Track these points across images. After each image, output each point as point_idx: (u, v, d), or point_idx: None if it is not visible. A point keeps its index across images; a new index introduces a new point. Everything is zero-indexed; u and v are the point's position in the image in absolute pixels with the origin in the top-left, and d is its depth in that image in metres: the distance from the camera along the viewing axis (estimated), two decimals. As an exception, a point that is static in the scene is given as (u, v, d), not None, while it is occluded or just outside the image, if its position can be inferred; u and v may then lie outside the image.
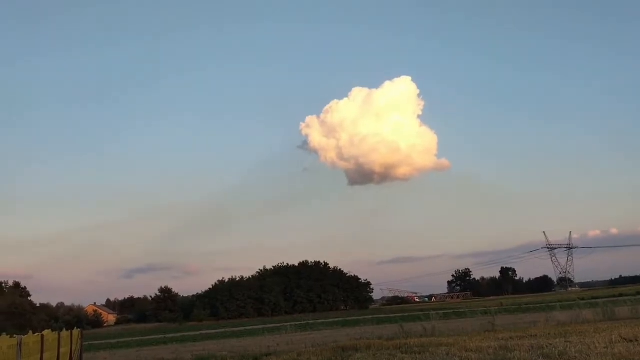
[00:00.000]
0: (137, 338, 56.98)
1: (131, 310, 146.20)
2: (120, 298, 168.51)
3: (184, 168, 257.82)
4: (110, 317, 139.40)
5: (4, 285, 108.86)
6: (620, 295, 72.28)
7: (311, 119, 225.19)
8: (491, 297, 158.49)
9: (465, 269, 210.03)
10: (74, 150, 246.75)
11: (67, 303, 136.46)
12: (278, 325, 60.33)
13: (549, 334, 19.95)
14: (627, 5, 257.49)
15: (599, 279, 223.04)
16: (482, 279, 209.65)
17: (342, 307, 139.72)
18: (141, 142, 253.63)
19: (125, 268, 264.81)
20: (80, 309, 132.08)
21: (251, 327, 61.79)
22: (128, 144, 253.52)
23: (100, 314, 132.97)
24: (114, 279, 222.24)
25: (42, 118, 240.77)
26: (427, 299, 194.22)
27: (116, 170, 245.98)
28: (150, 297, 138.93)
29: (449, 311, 60.83)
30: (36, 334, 14.46)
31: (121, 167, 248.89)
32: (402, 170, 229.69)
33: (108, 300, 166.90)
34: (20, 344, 12.02)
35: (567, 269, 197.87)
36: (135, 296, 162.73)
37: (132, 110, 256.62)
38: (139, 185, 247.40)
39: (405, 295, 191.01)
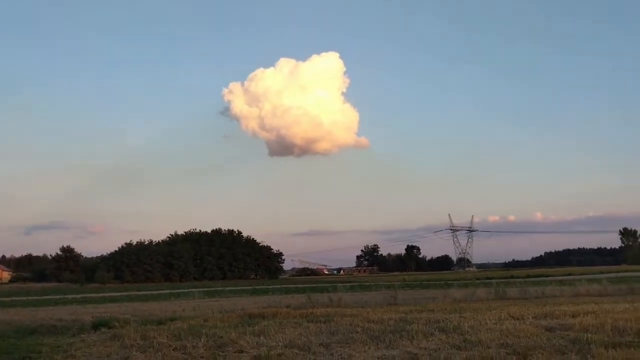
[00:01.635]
0: (34, 297, 54.16)
1: (29, 268, 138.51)
2: (17, 255, 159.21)
3: (97, 124, 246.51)
4: (5, 275, 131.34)
5: None
6: (512, 277, 77.74)
7: (235, 86, 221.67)
8: (395, 273, 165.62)
9: (374, 244, 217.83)
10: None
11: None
12: (186, 290, 59.58)
13: (445, 309, 21.20)
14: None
15: (495, 262, 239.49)
16: (389, 255, 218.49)
17: (253, 276, 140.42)
18: (54, 92, 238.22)
19: (24, 224, 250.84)
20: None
21: (157, 292, 60.61)
22: (43, 95, 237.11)
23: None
24: (12, 234, 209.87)
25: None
26: (335, 272, 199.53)
27: (24, 120, 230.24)
28: (51, 255, 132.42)
29: (355, 284, 62.83)
30: None
31: (30, 118, 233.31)
32: (322, 145, 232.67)
33: (3, 257, 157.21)
34: None
35: (467, 250, 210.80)
36: (34, 254, 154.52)
37: (53, 60, 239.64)
38: (47, 137, 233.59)
39: (315, 267, 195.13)
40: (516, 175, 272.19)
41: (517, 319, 16.46)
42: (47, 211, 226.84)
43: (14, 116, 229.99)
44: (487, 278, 74.93)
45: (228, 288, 66.14)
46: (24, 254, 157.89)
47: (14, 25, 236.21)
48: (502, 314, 17.81)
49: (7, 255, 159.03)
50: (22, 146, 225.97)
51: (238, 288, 64.94)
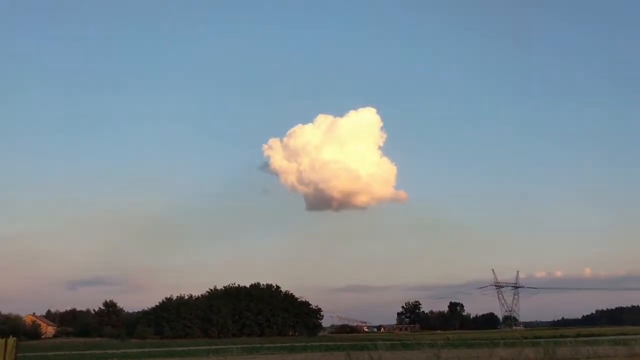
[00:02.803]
0: (76, 352, 54.80)
1: (72, 323, 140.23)
2: (62, 310, 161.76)
3: (141, 180, 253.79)
4: (50, 329, 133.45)
5: None
6: (562, 336, 74.23)
7: (274, 141, 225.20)
8: (438, 331, 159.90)
9: (415, 301, 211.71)
10: (20, 152, 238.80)
11: (4, 312, 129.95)
12: (224, 347, 59.18)
13: (491, 369, 20.35)
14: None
15: (542, 320, 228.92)
16: (431, 312, 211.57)
17: (291, 332, 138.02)
18: (97, 150, 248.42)
19: (69, 279, 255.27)
20: (18, 318, 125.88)
21: (195, 348, 60.36)
22: (81, 152, 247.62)
23: (39, 325, 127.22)
24: (57, 289, 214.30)
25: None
26: (375, 329, 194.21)
27: (69, 178, 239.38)
28: (94, 310, 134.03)
29: (396, 342, 61.05)
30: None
31: (74, 175, 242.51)
32: (360, 199, 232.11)
33: (49, 311, 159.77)
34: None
35: (513, 308, 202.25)
36: (78, 309, 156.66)
37: (90, 116, 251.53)
38: (91, 194, 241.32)
39: (355, 324, 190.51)
40: (563, 229, 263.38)
41: (568, 380, 15.64)
42: (91, 266, 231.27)
43: (56, 171, 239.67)
44: (535, 337, 71.71)
45: (266, 345, 65.27)
46: (69, 308, 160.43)
47: (69, 77, 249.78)
48: (551, 374, 16.97)
49: (52, 310, 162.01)
50: (65, 202, 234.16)
51: (276, 345, 64.02)
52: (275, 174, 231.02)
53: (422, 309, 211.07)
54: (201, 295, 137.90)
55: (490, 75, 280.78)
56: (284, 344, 67.29)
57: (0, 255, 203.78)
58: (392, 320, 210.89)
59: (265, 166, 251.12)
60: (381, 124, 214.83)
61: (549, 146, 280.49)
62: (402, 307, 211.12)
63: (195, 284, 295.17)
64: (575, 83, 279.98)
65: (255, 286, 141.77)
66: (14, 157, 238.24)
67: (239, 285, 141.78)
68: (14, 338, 22.64)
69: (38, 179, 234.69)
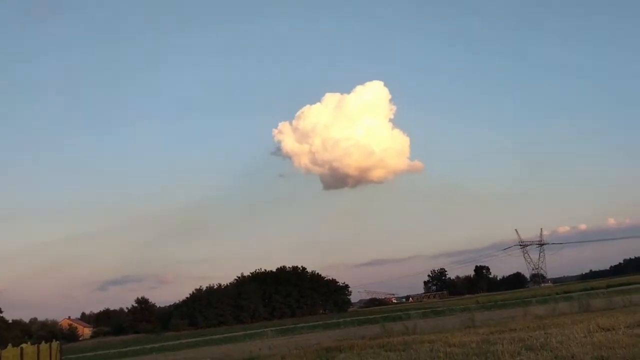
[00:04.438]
0: (115, 350, 56.00)
1: (107, 322, 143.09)
2: (96, 311, 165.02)
3: (155, 178, 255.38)
4: (86, 331, 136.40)
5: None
6: (592, 288, 73.87)
7: (283, 125, 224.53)
8: (467, 296, 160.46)
9: (441, 268, 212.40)
10: (44, 161, 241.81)
11: (41, 318, 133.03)
12: (258, 331, 60.00)
13: (528, 327, 20.35)
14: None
15: (571, 274, 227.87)
16: (457, 277, 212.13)
17: (321, 311, 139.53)
18: (113, 152, 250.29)
19: (99, 280, 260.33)
20: (54, 323, 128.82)
21: (231, 334, 61.28)
22: (99, 154, 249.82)
23: (76, 328, 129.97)
24: (88, 291, 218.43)
25: (10, 125, 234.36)
26: (404, 300, 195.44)
27: (88, 182, 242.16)
28: (127, 308, 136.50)
29: (427, 310, 61.34)
30: (14, 347, 14.15)
31: (93, 179, 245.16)
32: (376, 173, 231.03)
33: (83, 314, 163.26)
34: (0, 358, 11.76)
35: (540, 265, 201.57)
36: (111, 308, 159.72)
37: (104, 118, 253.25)
38: (111, 196, 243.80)
39: (383, 297, 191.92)
40: (582, 182, 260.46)
41: (608, 330, 15.59)
42: (119, 265, 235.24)
43: (78, 173, 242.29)
44: (566, 292, 71.51)
45: (299, 325, 66.02)
46: (102, 309, 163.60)
47: (80, 77, 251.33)
48: (591, 326, 16.92)
49: (87, 312, 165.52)
50: (88, 203, 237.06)
51: (309, 324, 64.73)
52: (288, 157, 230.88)
53: (448, 276, 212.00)
54: (230, 283, 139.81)
55: (497, 30, 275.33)
56: (316, 323, 68.01)
57: (32, 263, 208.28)
58: (420, 290, 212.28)
59: (278, 151, 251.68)
60: (390, 97, 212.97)
61: (563, 97, 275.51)
62: (428, 275, 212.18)
63: (222, 273, 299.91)
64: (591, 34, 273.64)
65: (282, 269, 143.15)
66: (40, 164, 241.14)
67: (265, 270, 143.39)
68: (57, 342, 23.18)
69: (60, 184, 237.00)
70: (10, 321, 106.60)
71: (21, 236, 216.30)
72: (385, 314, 64.50)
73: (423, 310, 61.22)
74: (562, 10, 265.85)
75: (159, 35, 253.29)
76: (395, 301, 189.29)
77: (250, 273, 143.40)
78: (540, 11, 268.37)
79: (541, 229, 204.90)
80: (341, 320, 64.63)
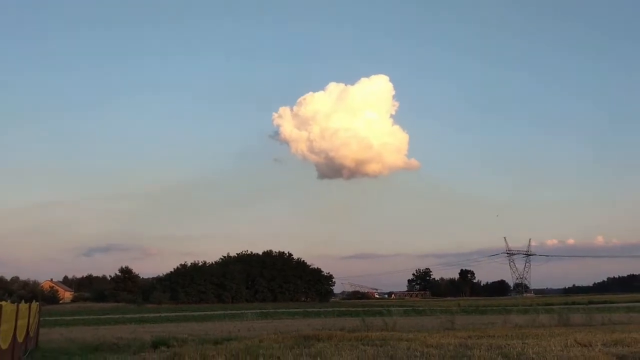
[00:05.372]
0: (94, 316, 56.03)
1: (89, 288, 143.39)
2: (79, 276, 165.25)
3: (153, 151, 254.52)
4: (67, 295, 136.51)
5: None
6: (574, 303, 74.45)
7: (284, 110, 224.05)
8: (449, 298, 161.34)
9: (426, 268, 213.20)
10: (43, 125, 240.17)
11: (23, 277, 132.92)
12: (239, 312, 60.18)
13: (506, 335, 20.47)
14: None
15: (554, 287, 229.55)
16: (442, 279, 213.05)
17: (303, 299, 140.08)
18: (112, 120, 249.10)
19: (85, 246, 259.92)
20: (36, 284, 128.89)
21: (212, 312, 61.45)
22: (98, 122, 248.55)
23: (57, 291, 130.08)
24: (73, 256, 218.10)
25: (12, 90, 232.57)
26: (386, 296, 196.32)
27: (83, 147, 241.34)
28: (110, 276, 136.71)
29: (408, 308, 61.68)
30: (-6, 304, 14.03)
31: (89, 145, 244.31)
32: (372, 167, 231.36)
33: (65, 277, 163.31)
34: (-23, 313, 11.69)
35: (524, 275, 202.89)
36: (94, 275, 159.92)
37: (102, 87, 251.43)
38: (105, 164, 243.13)
39: (366, 291, 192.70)
40: (575, 197, 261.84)
41: (585, 345, 15.68)
42: (105, 234, 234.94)
43: (72, 140, 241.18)
44: (547, 304, 71.99)
45: (280, 310, 66.30)
46: (85, 274, 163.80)
47: (87, 50, 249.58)
48: (568, 340, 17.03)
49: (69, 276, 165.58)
50: (80, 171, 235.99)
51: (290, 310, 64.99)
52: (285, 142, 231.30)
53: (432, 276, 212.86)
54: (215, 262, 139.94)
55: (503, 39, 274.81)
56: (297, 309, 68.29)
57: (18, 224, 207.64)
58: (403, 287, 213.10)
59: (276, 135, 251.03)
60: (393, 92, 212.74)
61: (562, 111, 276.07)
62: (413, 274, 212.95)
63: (208, 251, 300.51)
64: (588, 42, 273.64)
65: (268, 253, 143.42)
66: (29, 130, 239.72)
67: (251, 252, 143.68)
68: (37, 303, 23.13)
69: (52, 150, 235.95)
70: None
71: (11, 195, 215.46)
72: (367, 308, 64.80)
73: (404, 308, 61.53)
74: (569, 18, 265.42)
75: (167, 18, 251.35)
76: (377, 296, 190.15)
77: (237, 254, 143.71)
78: (547, 18, 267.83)
79: (529, 239, 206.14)
80: (322, 309, 64.91)
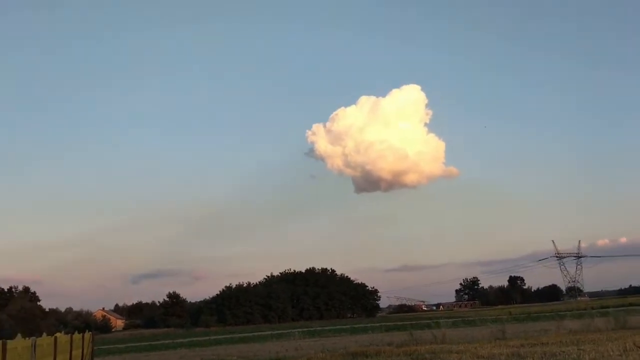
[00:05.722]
0: (146, 343, 57.07)
1: (139, 315, 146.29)
2: (129, 303, 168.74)
3: (191, 174, 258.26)
4: (119, 323, 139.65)
5: (14, 290, 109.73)
6: (630, 304, 71.53)
7: (317, 127, 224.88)
8: (499, 306, 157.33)
9: (473, 277, 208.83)
10: (82, 153, 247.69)
11: (76, 308, 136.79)
12: (285, 331, 60.23)
13: (561, 342, 19.80)
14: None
15: (608, 289, 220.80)
16: (490, 287, 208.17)
17: (349, 315, 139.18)
18: (148, 146, 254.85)
19: (133, 273, 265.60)
20: (88, 314, 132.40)
21: (259, 333, 61.69)
22: (136, 148, 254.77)
23: (109, 319, 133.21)
24: (122, 284, 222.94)
25: (43, 120, 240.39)
26: (434, 308, 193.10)
27: (125, 175, 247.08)
28: (159, 302, 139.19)
29: (457, 319, 60.46)
30: (49, 336, 14.52)
31: (130, 172, 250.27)
32: (410, 178, 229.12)
33: (116, 306, 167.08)
34: (34, 346, 12.09)
35: (576, 278, 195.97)
36: (144, 301, 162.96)
37: (140, 112, 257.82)
38: (147, 190, 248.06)
39: (412, 304, 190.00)
40: (624, 193, 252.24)
41: (645, 349, 15.02)
42: (152, 260, 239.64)
43: (123, 169, 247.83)
44: (603, 307, 69.41)
45: (327, 328, 65.99)
46: (135, 301, 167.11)
47: (116, 70, 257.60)
48: (627, 344, 16.34)
49: (120, 304, 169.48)
50: (122, 198, 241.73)
51: (337, 327, 64.61)
52: (321, 159, 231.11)
53: (480, 285, 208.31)
54: (259, 282, 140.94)
55: (537, 40, 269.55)
56: (344, 326, 67.81)
57: (69, 255, 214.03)
58: (451, 298, 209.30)
59: (311, 152, 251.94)
60: (426, 101, 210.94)
61: (605, 107, 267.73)
62: (460, 284, 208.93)
63: (252, 272, 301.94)
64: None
65: (311, 271, 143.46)
66: (76, 159, 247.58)
67: (294, 270, 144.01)
68: (90, 333, 23.77)
69: (98, 178, 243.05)
70: (47, 310, 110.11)
71: (59, 228, 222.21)
72: (414, 321, 63.83)
73: (453, 320, 60.37)
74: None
75: (197, 27, 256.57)
76: (425, 308, 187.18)
77: (280, 273, 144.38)
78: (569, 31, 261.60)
79: (579, 240, 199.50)
80: (369, 325, 64.25)
